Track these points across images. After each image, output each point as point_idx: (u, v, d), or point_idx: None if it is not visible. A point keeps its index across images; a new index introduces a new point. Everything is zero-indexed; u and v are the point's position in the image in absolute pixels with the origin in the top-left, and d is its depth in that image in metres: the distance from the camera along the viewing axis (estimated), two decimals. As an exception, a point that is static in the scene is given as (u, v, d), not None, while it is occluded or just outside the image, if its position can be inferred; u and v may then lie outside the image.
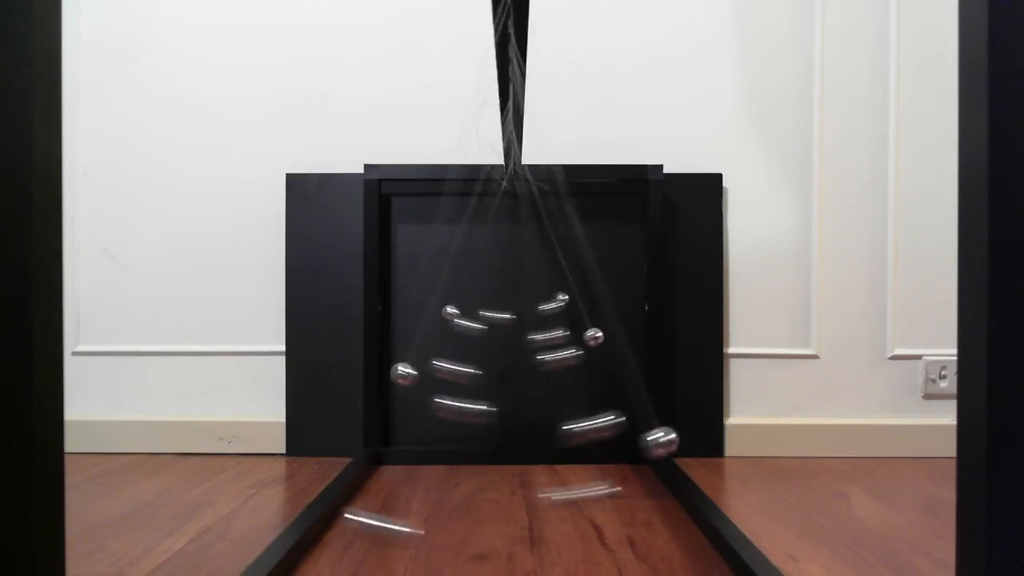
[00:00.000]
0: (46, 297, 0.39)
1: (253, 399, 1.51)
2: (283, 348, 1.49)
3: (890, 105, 1.50)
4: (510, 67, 0.91)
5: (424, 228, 1.48)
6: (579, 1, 1.51)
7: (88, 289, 1.52)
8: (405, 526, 0.99)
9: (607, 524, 1.03)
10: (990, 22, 0.36)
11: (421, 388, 1.09)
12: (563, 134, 1.50)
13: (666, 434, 0.72)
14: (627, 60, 1.51)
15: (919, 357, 1.50)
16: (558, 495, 0.73)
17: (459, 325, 1.24)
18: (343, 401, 1.46)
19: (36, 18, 0.38)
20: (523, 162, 1.42)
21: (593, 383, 1.45)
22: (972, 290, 0.38)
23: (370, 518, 0.95)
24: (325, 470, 1.36)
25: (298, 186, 1.48)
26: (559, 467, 1.38)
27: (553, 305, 1.38)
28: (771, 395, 1.50)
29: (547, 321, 1.38)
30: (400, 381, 0.87)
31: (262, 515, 1.08)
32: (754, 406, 1.50)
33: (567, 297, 1.39)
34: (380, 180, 1.43)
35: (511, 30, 0.82)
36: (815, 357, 1.50)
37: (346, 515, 0.99)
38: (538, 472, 1.35)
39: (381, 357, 1.43)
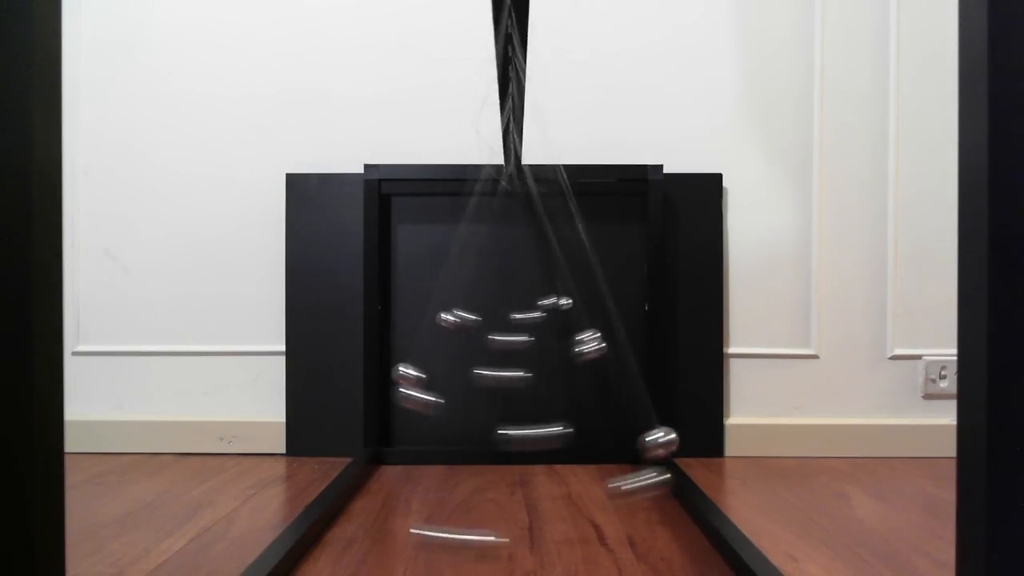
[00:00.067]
0: (46, 297, 0.39)
1: (253, 399, 1.51)
2: (283, 348, 1.49)
3: (890, 105, 1.50)
4: (510, 67, 0.91)
5: (424, 228, 1.48)
6: (579, 1, 1.51)
7: (88, 289, 1.52)
8: (482, 535, 0.98)
9: (607, 524, 1.03)
10: (990, 22, 0.36)
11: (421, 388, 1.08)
12: (563, 134, 1.50)
13: (666, 434, 0.72)
14: (627, 60, 1.51)
15: (919, 357, 1.50)
16: (622, 486, 0.72)
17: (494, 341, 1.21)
18: (343, 401, 1.46)
19: (36, 18, 0.38)
20: (523, 162, 1.42)
21: (593, 383, 1.45)
22: (972, 290, 0.38)
23: (440, 531, 0.94)
24: (325, 470, 1.36)
25: (298, 186, 1.48)
26: (559, 467, 1.38)
27: (554, 307, 1.38)
28: (771, 395, 1.50)
29: (550, 324, 1.38)
30: (402, 383, 0.86)
31: (262, 515, 1.08)
32: (754, 406, 1.50)
33: (570, 301, 1.39)
34: (380, 180, 1.43)
35: (512, 29, 0.82)
36: (815, 357, 1.50)
37: (412, 530, 0.98)
38: (538, 472, 1.35)
39: (381, 357, 1.43)
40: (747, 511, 1.11)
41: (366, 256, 1.42)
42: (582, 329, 1.20)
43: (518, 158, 1.33)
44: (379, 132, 1.51)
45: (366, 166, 1.43)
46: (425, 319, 1.45)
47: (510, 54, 0.88)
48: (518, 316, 1.36)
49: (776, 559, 0.89)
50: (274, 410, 1.50)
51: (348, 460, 1.38)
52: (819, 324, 1.50)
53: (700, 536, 0.98)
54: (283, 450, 1.48)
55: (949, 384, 1.49)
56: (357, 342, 1.45)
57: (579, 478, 1.31)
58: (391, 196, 1.48)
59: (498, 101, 1.09)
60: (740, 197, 1.50)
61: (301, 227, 1.48)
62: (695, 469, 1.36)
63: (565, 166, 1.43)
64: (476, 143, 1.49)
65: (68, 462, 1.38)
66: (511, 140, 1.19)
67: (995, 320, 0.37)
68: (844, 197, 1.51)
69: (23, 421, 0.37)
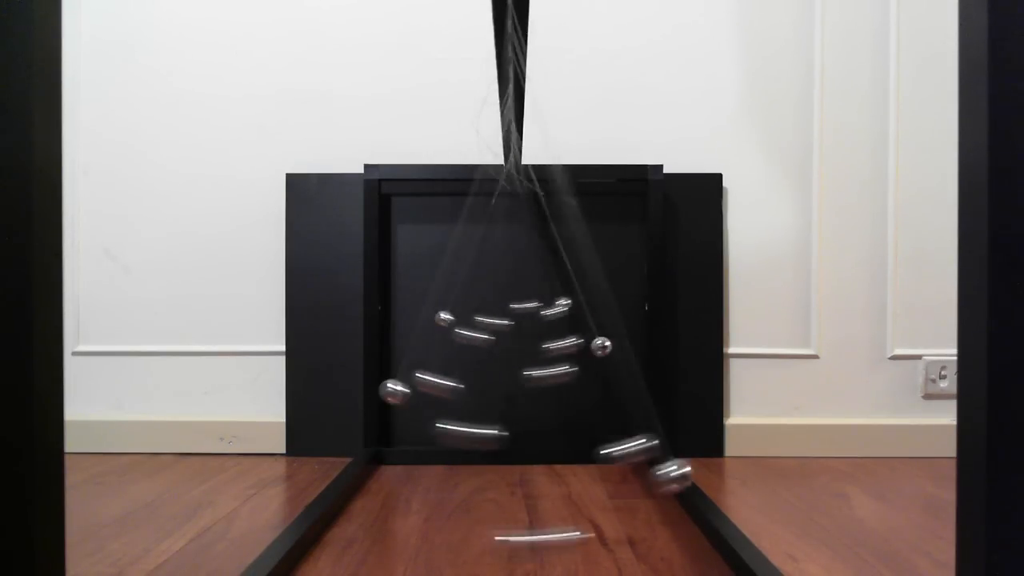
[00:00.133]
0: (46, 297, 0.39)
1: (253, 399, 1.51)
2: (283, 348, 1.49)
3: (890, 105, 1.50)
4: (510, 66, 0.91)
5: (424, 228, 1.48)
6: (579, 1, 1.51)
7: (88, 289, 1.52)
8: (567, 531, 0.97)
9: (607, 524, 1.03)
10: (990, 22, 0.36)
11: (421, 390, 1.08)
12: (563, 134, 1.50)
13: (680, 467, 0.67)
14: (627, 60, 1.51)
15: (919, 357, 1.50)
16: (613, 452, 0.68)
17: (461, 336, 1.21)
18: (343, 401, 1.46)
19: (36, 18, 0.38)
20: (523, 162, 1.42)
21: (593, 383, 1.45)
22: (972, 290, 0.38)
23: (524, 535, 0.94)
24: (325, 470, 1.36)
25: (298, 186, 1.48)
26: (559, 467, 1.38)
27: (556, 310, 1.38)
28: (771, 395, 1.50)
29: (553, 326, 1.38)
30: (390, 399, 0.84)
31: (262, 515, 1.08)
32: (754, 406, 1.50)
33: (569, 302, 1.39)
34: (380, 180, 1.43)
35: (511, 29, 0.82)
36: (815, 357, 1.50)
37: (497, 538, 0.97)
38: (538, 472, 1.35)
39: (381, 357, 1.43)
40: (747, 511, 1.11)
41: (366, 256, 1.42)
42: (568, 331, 1.20)
43: (518, 158, 1.33)
44: (379, 132, 1.51)
45: (366, 166, 1.43)
46: (421, 319, 1.45)
47: (510, 53, 0.88)
48: (517, 307, 1.36)
49: (776, 559, 0.89)
50: (274, 410, 1.50)
51: (348, 460, 1.38)
52: (819, 324, 1.50)
53: (700, 536, 0.98)
54: (283, 450, 1.48)
55: (949, 384, 1.49)
56: (357, 342, 1.45)
57: (579, 478, 1.31)
58: (391, 196, 1.48)
59: (498, 101, 1.09)
60: (740, 197, 1.50)
61: (301, 227, 1.48)
62: (695, 469, 1.36)
63: (565, 166, 1.43)
64: (476, 143, 1.49)
65: (68, 462, 1.38)
66: (511, 140, 1.19)
67: (995, 320, 0.37)
68: (844, 197, 1.51)
69: (23, 421, 0.37)
